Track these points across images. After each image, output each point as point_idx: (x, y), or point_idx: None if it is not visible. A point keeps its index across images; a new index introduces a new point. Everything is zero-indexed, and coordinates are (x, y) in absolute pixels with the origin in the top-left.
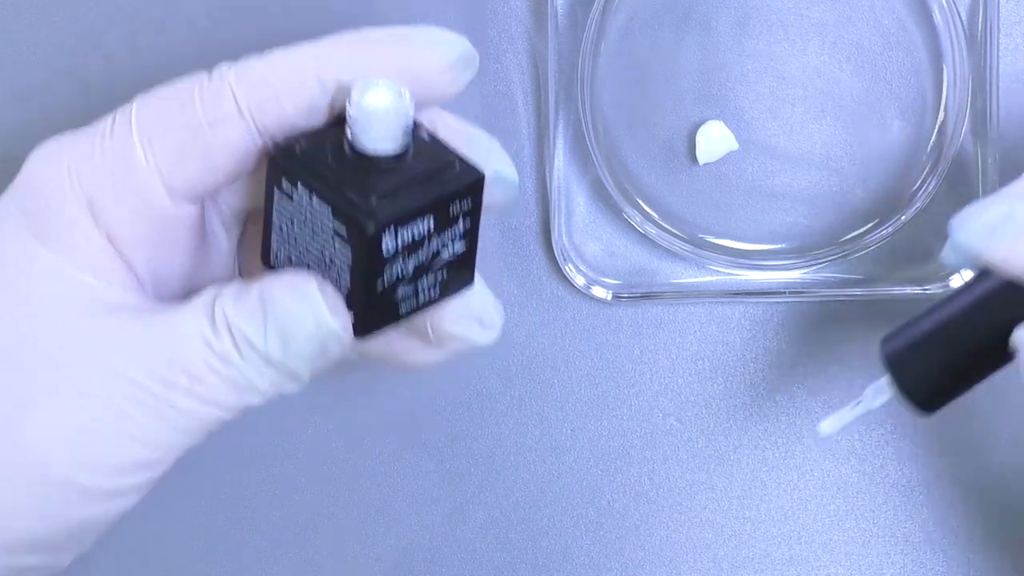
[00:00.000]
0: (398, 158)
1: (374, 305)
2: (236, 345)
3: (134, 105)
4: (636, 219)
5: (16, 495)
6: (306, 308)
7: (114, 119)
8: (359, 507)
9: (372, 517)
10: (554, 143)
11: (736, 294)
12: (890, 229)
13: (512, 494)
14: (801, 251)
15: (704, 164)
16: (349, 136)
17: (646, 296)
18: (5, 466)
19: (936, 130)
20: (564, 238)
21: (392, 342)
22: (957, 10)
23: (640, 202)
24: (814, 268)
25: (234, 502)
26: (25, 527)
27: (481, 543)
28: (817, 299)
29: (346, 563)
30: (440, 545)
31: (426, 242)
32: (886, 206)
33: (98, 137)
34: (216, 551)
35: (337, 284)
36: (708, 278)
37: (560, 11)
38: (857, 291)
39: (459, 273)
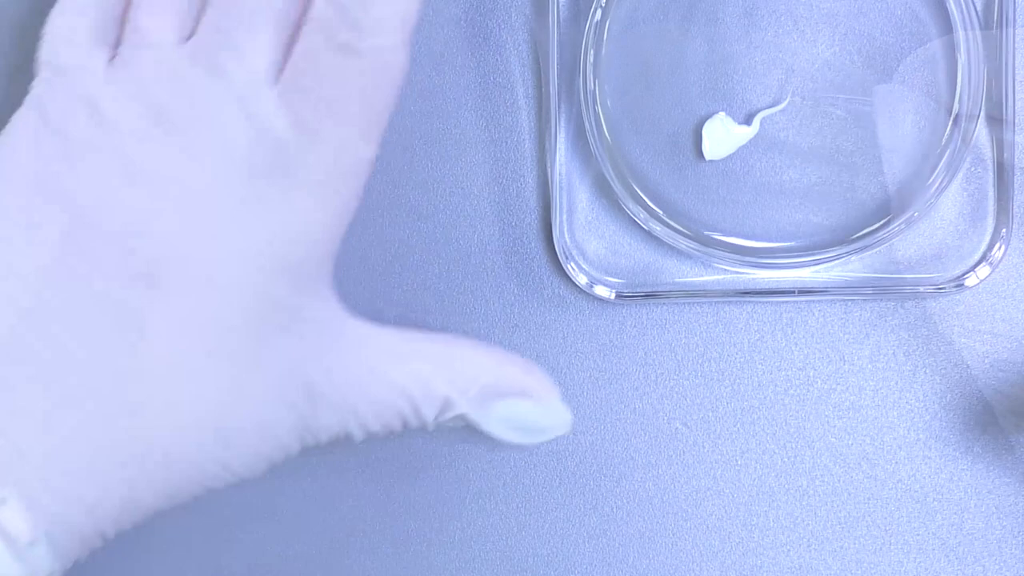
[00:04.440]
0: None
1: None
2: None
3: None
4: (640, 216)
5: None
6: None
7: None
8: (354, 512)
9: (368, 522)
10: (556, 138)
11: (744, 293)
12: (903, 225)
13: (512, 499)
14: (811, 249)
15: (710, 159)
16: None
17: (650, 295)
18: None
19: (950, 123)
20: (566, 236)
21: None
22: None
23: (644, 198)
24: (824, 266)
25: (225, 508)
26: None
27: (480, 550)
28: (827, 298)
29: (342, 569)
30: (437, 552)
31: None
32: (899, 202)
33: None
34: (209, 556)
35: None
36: (715, 277)
37: (562, 1)
38: (868, 290)
39: None
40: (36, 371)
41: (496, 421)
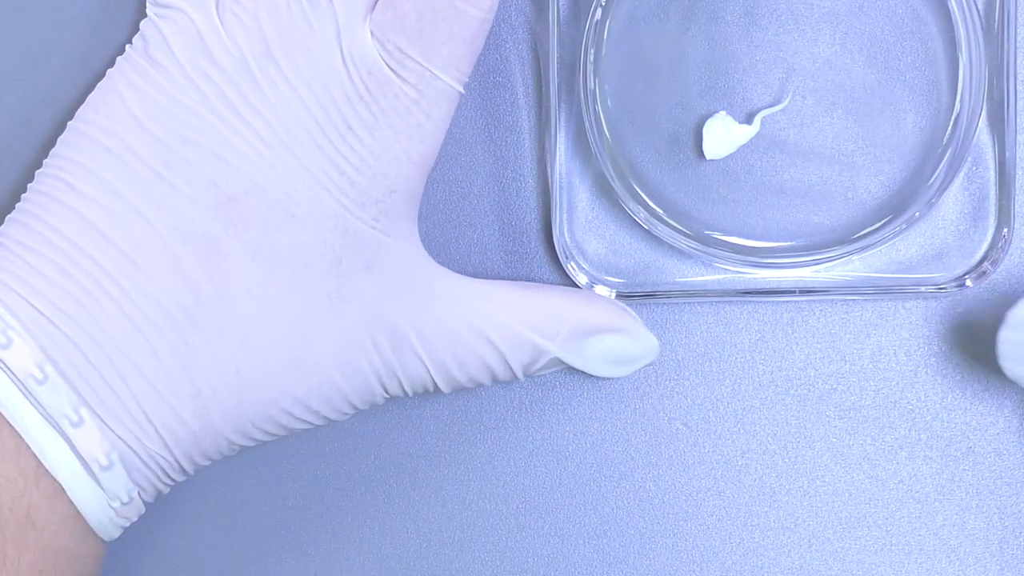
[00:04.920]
0: None
1: None
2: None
3: None
4: (640, 215)
5: None
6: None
7: None
8: (354, 513)
9: (367, 523)
10: (556, 137)
11: (744, 293)
12: (904, 225)
13: (512, 500)
14: (811, 248)
15: (711, 158)
16: None
17: (651, 295)
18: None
19: (952, 123)
20: (566, 235)
21: None
22: None
23: (645, 198)
24: (825, 266)
25: (226, 507)
26: None
27: (480, 550)
28: (828, 298)
29: (341, 570)
30: (437, 552)
31: None
32: (899, 201)
33: None
34: (209, 557)
35: None
36: (715, 276)
37: (562, 1)
38: (869, 290)
39: None
40: (116, 296)
41: (591, 359)
